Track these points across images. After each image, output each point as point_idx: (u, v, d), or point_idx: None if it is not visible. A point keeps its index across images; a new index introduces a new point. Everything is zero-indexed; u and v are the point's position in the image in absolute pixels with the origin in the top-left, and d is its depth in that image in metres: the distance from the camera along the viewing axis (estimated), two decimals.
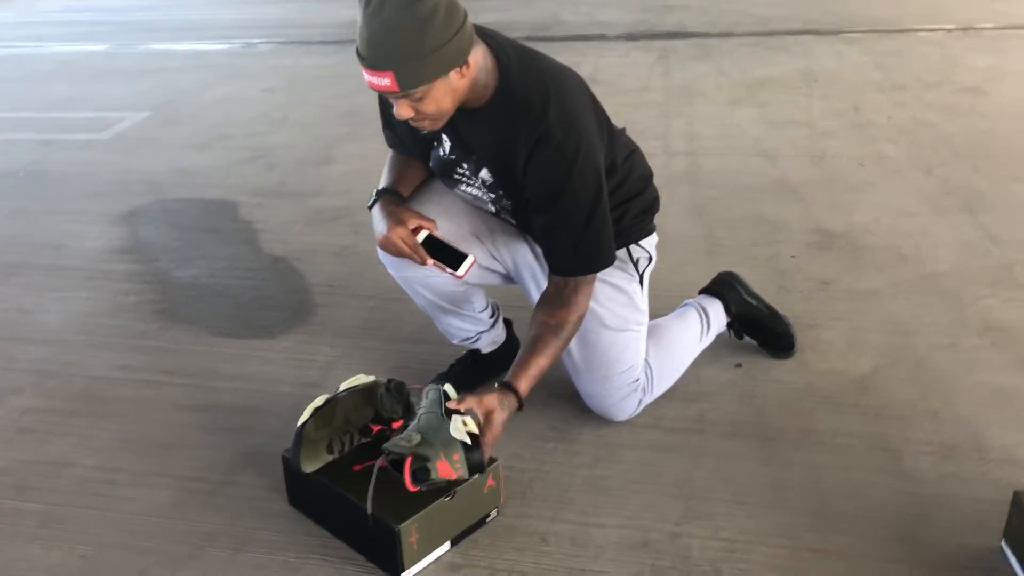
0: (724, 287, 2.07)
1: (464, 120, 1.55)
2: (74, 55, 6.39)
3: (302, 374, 2.09)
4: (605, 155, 1.63)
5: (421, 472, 1.38)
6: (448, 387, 1.53)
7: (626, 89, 4.57)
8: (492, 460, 1.55)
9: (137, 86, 5.20)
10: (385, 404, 1.61)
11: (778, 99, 4.40)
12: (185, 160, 3.76)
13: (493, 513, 1.59)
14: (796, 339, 2.07)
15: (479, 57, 1.47)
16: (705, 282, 2.11)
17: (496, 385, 1.56)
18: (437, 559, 1.50)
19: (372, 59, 1.36)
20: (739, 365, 2.05)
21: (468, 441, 1.42)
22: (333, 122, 4.13)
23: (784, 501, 1.61)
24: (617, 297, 1.76)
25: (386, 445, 1.44)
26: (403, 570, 1.45)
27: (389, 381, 1.64)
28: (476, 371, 1.96)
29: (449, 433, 1.42)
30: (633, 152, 1.79)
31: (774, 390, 1.95)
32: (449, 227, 1.72)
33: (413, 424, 1.47)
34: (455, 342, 1.96)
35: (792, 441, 1.78)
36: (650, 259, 1.82)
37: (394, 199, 1.68)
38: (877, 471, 1.68)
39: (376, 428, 1.62)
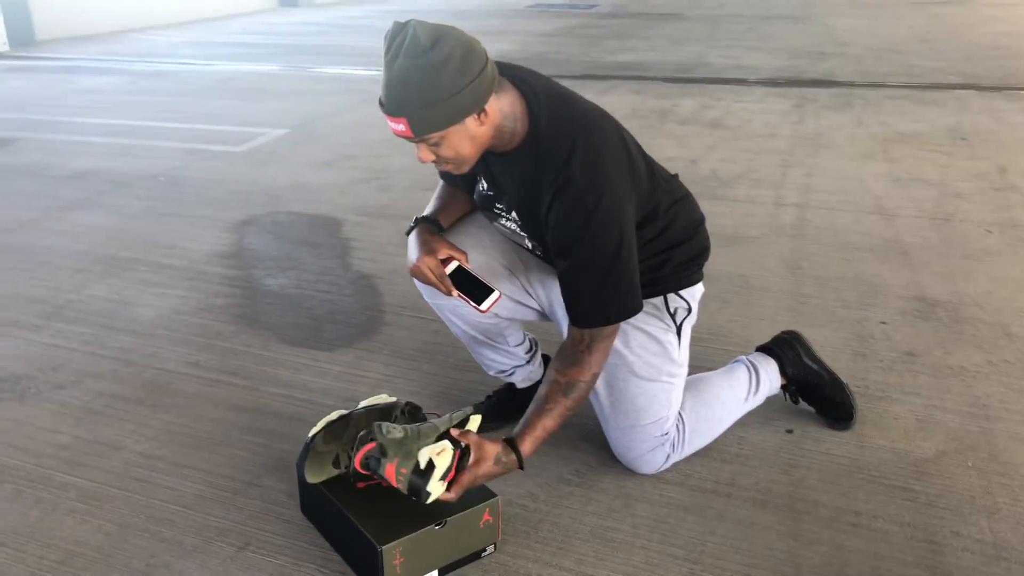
0: (783, 346, 1.96)
1: (496, 162, 1.57)
2: (236, 74, 6.95)
3: (351, 389, 2.15)
4: (644, 202, 1.60)
5: (372, 461, 1.45)
6: (476, 418, 1.54)
7: (751, 135, 4.43)
8: (491, 495, 1.55)
9: (282, 104, 5.59)
10: None
11: (914, 155, 4.14)
12: (307, 176, 3.99)
13: (490, 549, 1.58)
14: (856, 410, 1.92)
15: (505, 104, 1.47)
16: None
17: (504, 438, 1.55)
18: None
19: (389, 105, 1.40)
20: (790, 431, 1.93)
21: (423, 466, 1.44)
22: None
23: None
24: (650, 346, 1.71)
25: (380, 422, 1.53)
26: None
27: (406, 404, 1.67)
28: (511, 405, 1.95)
29: (419, 449, 1.45)
30: (681, 199, 1.73)
31: (819, 461, 1.82)
32: (482, 260, 1.73)
33: (416, 424, 1.51)
34: (491, 373, 1.96)
35: (824, 518, 1.65)
36: (689, 310, 1.75)
37: (431, 228, 1.71)
38: (912, 564, 1.53)
39: None
